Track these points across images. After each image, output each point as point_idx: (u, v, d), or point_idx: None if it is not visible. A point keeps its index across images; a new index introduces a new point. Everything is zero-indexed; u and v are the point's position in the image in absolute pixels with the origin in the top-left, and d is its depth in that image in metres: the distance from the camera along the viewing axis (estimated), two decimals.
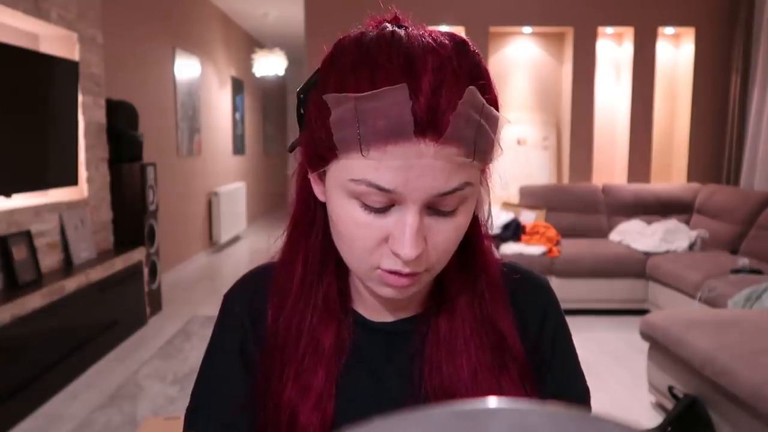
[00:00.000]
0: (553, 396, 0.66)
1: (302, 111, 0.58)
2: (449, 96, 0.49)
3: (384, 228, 0.53)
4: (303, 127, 0.58)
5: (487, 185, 0.59)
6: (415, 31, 0.52)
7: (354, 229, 0.54)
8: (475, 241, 0.64)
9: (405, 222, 0.52)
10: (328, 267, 0.64)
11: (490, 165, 0.57)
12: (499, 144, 0.54)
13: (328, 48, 0.55)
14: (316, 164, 0.56)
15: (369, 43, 0.52)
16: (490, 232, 0.66)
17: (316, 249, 0.64)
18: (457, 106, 0.48)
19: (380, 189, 0.51)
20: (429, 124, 0.48)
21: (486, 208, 0.63)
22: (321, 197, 0.60)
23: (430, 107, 0.48)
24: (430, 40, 0.51)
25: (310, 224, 0.64)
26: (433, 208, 0.53)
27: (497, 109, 0.53)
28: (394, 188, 0.51)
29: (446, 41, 0.52)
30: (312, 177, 0.59)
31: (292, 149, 0.61)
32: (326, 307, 0.64)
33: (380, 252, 0.55)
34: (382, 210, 0.53)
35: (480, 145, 0.51)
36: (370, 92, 0.49)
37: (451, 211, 0.54)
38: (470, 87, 0.49)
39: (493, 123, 0.52)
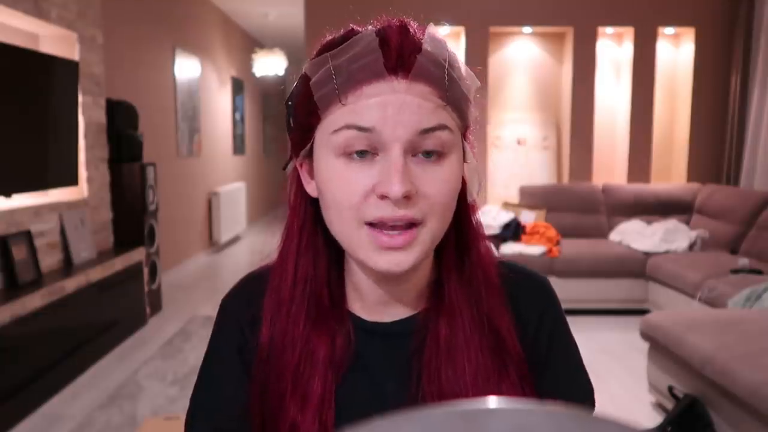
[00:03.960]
0: (554, 394, 0.65)
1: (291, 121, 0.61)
2: (414, 43, 0.54)
3: (370, 178, 0.54)
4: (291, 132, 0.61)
5: (473, 157, 0.62)
6: None
7: (340, 186, 0.55)
8: (470, 236, 0.64)
9: (390, 161, 0.53)
10: (320, 270, 0.64)
11: (471, 135, 0.61)
12: (473, 102, 0.59)
13: (312, 54, 0.59)
14: (303, 140, 0.59)
15: (344, 33, 0.57)
16: (490, 221, 0.67)
17: (307, 253, 0.64)
18: (421, 49, 0.54)
19: (360, 129, 0.53)
20: (398, 63, 0.53)
21: (475, 185, 0.63)
22: (313, 193, 0.61)
23: (398, 51, 0.53)
24: (397, 23, 0.56)
25: (300, 229, 0.64)
26: (416, 152, 0.55)
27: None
28: (372, 125, 0.53)
29: (415, 25, 0.57)
30: (301, 171, 0.61)
31: (286, 166, 0.63)
32: (318, 313, 0.63)
33: (368, 204, 0.55)
34: (366, 157, 0.54)
35: (452, 92, 0.55)
36: (342, 45, 0.54)
37: (435, 157, 0.55)
38: (430, 24, 0.56)
39: (462, 75, 0.57)
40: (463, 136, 0.59)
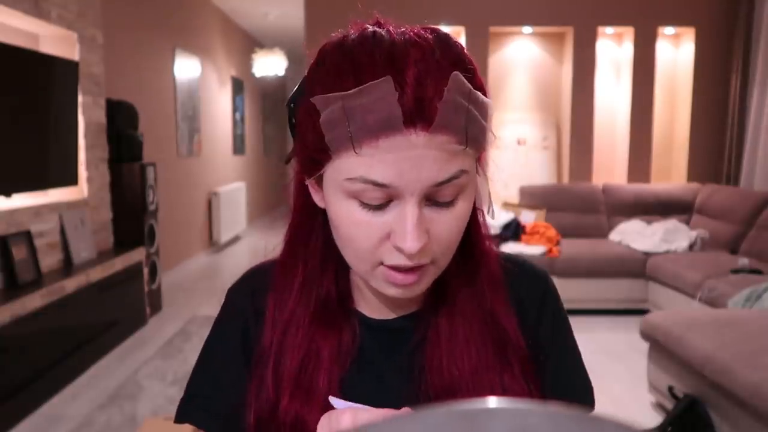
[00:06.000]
0: (553, 389, 0.65)
1: (293, 120, 0.58)
2: (435, 84, 0.49)
3: (385, 225, 0.53)
4: (296, 136, 0.58)
5: (485, 174, 0.59)
6: (397, 29, 0.53)
7: (355, 229, 0.54)
8: (474, 235, 0.64)
9: (405, 215, 0.52)
10: (327, 272, 0.64)
11: (486, 153, 0.58)
12: (491, 130, 0.55)
13: (312, 55, 0.56)
14: (311, 169, 0.56)
15: (351, 44, 0.52)
16: (490, 221, 0.66)
17: (315, 255, 0.64)
18: (443, 94, 0.49)
19: (376, 184, 0.51)
20: (417, 114, 0.49)
21: (486, 199, 0.62)
22: (321, 204, 0.60)
23: (416, 97, 0.48)
24: (411, 35, 0.52)
25: (308, 232, 0.64)
26: (431, 199, 0.53)
27: (485, 96, 0.53)
28: (389, 182, 0.51)
29: (428, 35, 0.52)
30: (310, 184, 0.59)
31: (288, 160, 0.62)
32: (325, 312, 0.64)
33: (383, 249, 0.54)
34: (381, 207, 0.53)
35: (471, 132, 0.51)
36: (356, 89, 0.49)
37: (450, 202, 0.54)
38: (454, 72, 0.50)
39: (482, 109, 0.53)
40: (478, 159, 0.57)
